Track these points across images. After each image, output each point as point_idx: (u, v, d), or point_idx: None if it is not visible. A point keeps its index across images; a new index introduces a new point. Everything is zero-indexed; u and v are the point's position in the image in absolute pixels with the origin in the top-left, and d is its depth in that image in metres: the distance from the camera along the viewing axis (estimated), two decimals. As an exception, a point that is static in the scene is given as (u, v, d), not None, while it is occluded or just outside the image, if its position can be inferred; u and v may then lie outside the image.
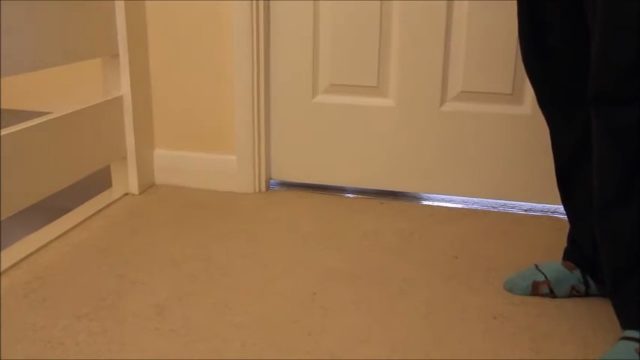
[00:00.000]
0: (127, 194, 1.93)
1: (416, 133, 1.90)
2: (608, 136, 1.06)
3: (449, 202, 1.93)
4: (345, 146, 1.97)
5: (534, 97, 1.78)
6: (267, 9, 1.87)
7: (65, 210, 1.77)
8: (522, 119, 1.82)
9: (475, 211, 1.86)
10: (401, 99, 1.89)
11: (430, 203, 1.92)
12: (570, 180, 1.33)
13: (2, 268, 1.43)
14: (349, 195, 1.98)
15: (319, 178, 2.02)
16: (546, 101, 1.31)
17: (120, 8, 1.78)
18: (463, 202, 1.93)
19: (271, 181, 2.08)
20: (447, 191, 1.94)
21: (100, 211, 1.79)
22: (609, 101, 1.03)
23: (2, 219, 1.42)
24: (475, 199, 1.94)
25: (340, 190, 2.03)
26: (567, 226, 1.40)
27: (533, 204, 1.89)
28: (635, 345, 1.07)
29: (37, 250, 1.53)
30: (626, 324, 1.12)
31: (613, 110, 1.03)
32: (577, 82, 1.24)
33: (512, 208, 1.88)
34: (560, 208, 1.84)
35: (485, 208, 1.88)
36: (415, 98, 1.87)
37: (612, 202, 1.08)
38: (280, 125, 1.98)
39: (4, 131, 1.43)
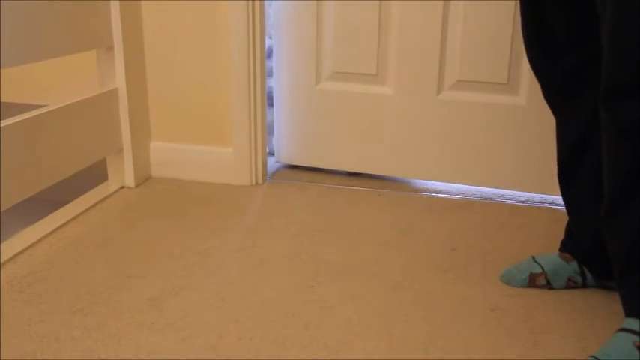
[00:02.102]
0: (123, 187, 1.93)
1: (413, 121, 1.92)
2: (616, 133, 1.06)
3: (446, 193, 1.92)
4: (346, 131, 2.00)
5: (529, 87, 1.78)
6: (262, 6, 1.87)
7: (61, 203, 1.76)
8: (517, 109, 1.82)
9: (472, 202, 1.86)
10: (399, 87, 1.91)
11: (427, 195, 1.92)
12: (571, 173, 1.33)
13: (-2, 263, 1.43)
14: (346, 187, 1.97)
15: (322, 161, 2.06)
16: (550, 95, 1.31)
17: (114, 0, 1.77)
18: (461, 193, 1.92)
19: (277, 164, 2.13)
20: (443, 178, 1.97)
21: (95, 204, 1.79)
22: (620, 95, 1.02)
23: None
24: (472, 189, 1.93)
25: (340, 173, 2.09)
26: (564, 218, 1.40)
27: (530, 196, 1.89)
28: (634, 338, 1.07)
29: (33, 245, 1.53)
30: (629, 312, 1.12)
31: (623, 105, 1.03)
32: (581, 77, 1.24)
33: (510, 199, 1.88)
34: (557, 199, 1.84)
35: (482, 199, 1.88)
36: (413, 86, 1.90)
37: (620, 197, 1.08)
38: (286, 110, 2.03)
39: (-2, 125, 1.42)
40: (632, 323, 1.09)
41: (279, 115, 2.06)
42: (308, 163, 2.08)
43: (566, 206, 1.38)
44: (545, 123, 1.79)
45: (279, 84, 2.03)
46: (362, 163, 2.02)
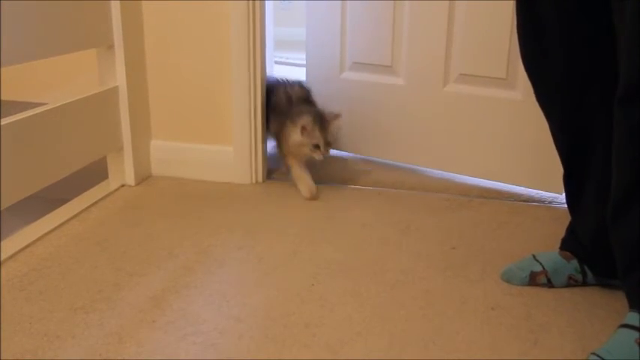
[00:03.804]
0: (123, 186, 1.93)
1: (422, 111, 2.02)
2: (628, 131, 1.06)
3: (446, 192, 1.92)
4: (364, 118, 2.11)
5: (527, 83, 1.79)
6: (262, 6, 1.89)
7: (61, 202, 1.76)
8: (515, 104, 1.86)
9: (472, 201, 1.86)
10: (410, 78, 2.02)
11: (427, 194, 1.91)
12: (573, 174, 1.33)
13: (-2, 261, 1.43)
14: (346, 185, 1.97)
15: (343, 146, 2.19)
16: (543, 97, 1.31)
17: (115, -2, 1.77)
18: (460, 192, 1.92)
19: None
20: (445, 168, 2.03)
21: (96, 202, 1.79)
22: (635, 96, 1.02)
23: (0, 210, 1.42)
24: (471, 188, 1.93)
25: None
26: (564, 216, 1.40)
27: (530, 194, 1.89)
28: (636, 335, 1.07)
29: (34, 242, 1.53)
30: (633, 305, 1.12)
31: (637, 105, 1.03)
32: (575, 80, 1.24)
33: (510, 198, 1.88)
34: (557, 197, 1.84)
35: (482, 198, 1.88)
36: (422, 78, 2.00)
37: (628, 192, 1.09)
38: (316, 96, 2.12)
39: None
40: (634, 319, 1.09)
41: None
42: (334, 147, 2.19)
43: (568, 205, 1.38)
44: (540, 120, 1.81)
45: (310, 73, 2.21)
46: (375, 150, 2.15)
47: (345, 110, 2.08)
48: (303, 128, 1.80)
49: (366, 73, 2.10)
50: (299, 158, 1.88)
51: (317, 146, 1.81)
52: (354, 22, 2.08)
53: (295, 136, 1.82)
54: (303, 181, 1.87)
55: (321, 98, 2.10)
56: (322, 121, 1.82)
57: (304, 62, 2.24)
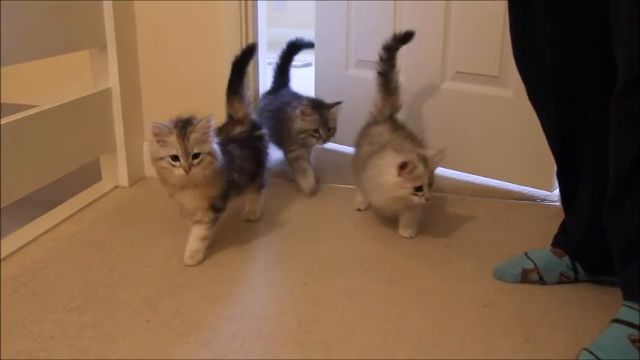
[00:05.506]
0: (117, 187, 1.93)
1: (420, 108, 2.07)
2: (626, 123, 1.06)
3: (439, 190, 1.93)
4: (366, 113, 2.07)
5: (519, 81, 1.81)
6: (254, 7, 1.92)
7: (55, 203, 1.76)
8: (506, 101, 1.88)
9: (465, 199, 1.86)
10: (409, 76, 2.06)
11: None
12: (568, 173, 1.34)
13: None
14: (341, 185, 1.98)
15: (343, 140, 2.15)
16: (535, 96, 1.31)
17: (107, 0, 1.77)
18: (453, 190, 1.92)
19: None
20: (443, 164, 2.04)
21: (90, 204, 1.79)
22: (633, 88, 1.03)
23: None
24: (466, 186, 1.93)
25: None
26: (556, 214, 1.42)
27: (523, 192, 1.89)
28: (628, 330, 1.07)
29: (27, 244, 1.53)
30: (628, 296, 1.12)
31: (635, 97, 1.03)
32: (566, 79, 1.24)
33: (502, 196, 1.88)
34: (549, 196, 1.85)
35: (474, 197, 1.88)
36: (420, 76, 2.06)
37: (626, 184, 1.09)
38: (323, 91, 2.24)
39: (-9, 125, 1.42)
40: (627, 313, 1.10)
41: (318, 95, 2.25)
42: (339, 142, 2.17)
43: (562, 201, 1.38)
44: (532, 117, 1.83)
45: (318, 69, 2.33)
46: None
47: (349, 105, 2.10)
48: (402, 167, 1.47)
49: (370, 71, 2.10)
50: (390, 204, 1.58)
51: (419, 188, 1.48)
52: (358, 22, 2.17)
53: (389, 177, 1.50)
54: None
55: (328, 94, 2.15)
56: (425, 160, 1.49)
57: (297, 63, 2.25)
